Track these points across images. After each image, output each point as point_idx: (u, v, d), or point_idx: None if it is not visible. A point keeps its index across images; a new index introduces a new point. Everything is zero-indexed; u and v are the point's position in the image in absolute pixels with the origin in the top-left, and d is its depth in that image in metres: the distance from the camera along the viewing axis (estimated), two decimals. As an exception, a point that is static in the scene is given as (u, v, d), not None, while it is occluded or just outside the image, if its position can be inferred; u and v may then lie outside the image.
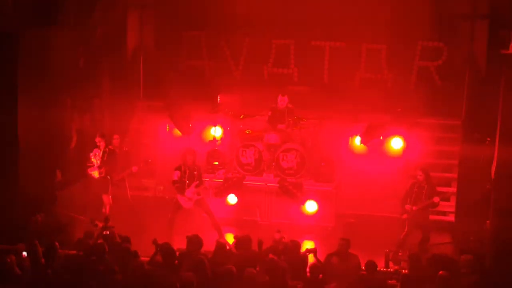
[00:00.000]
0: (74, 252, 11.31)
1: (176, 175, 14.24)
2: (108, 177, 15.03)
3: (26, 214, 13.79)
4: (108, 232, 11.87)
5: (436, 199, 13.85)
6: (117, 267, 10.49)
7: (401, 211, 14.09)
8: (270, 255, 10.73)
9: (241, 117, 16.68)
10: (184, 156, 14.30)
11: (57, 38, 15.19)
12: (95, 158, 15.00)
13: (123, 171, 15.57)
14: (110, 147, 15.15)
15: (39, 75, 14.86)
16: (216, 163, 16.18)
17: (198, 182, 14.19)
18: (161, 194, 16.98)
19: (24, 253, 10.79)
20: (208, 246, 11.73)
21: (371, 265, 10.91)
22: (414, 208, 13.87)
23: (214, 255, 11.20)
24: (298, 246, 11.57)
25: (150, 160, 16.26)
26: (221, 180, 15.80)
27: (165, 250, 11.10)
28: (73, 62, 16.47)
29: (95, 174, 14.97)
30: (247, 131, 16.49)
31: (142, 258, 11.00)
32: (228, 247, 11.96)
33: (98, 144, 14.99)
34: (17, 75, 14.22)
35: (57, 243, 11.08)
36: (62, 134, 15.97)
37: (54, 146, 15.45)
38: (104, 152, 14.95)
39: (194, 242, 11.20)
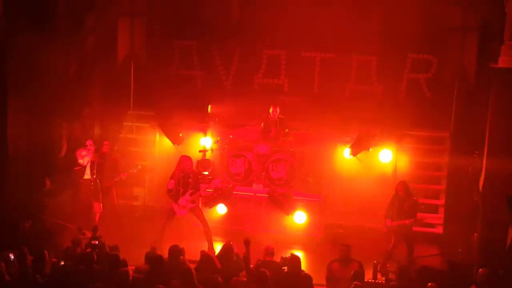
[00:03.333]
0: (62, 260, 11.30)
1: (170, 184, 14.38)
2: (99, 184, 15.03)
3: (14, 221, 13.73)
4: (97, 242, 11.85)
5: (408, 221, 13.88)
6: (104, 276, 10.51)
7: (383, 224, 14.16)
8: (262, 269, 10.69)
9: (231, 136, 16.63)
10: (181, 164, 14.37)
11: (48, 46, 15.16)
12: (83, 159, 14.89)
13: (111, 178, 15.57)
14: (99, 153, 15.11)
15: (29, 83, 14.84)
16: (206, 172, 16.18)
17: (192, 190, 14.26)
18: (150, 203, 17.00)
19: (11, 256, 10.76)
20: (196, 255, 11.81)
21: (360, 275, 10.93)
22: (393, 223, 13.91)
23: (199, 264, 11.21)
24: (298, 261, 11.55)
25: (139, 167, 16.27)
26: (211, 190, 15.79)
27: (150, 258, 11.13)
28: (64, 70, 16.45)
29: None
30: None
31: (130, 267, 11.02)
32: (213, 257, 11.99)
33: (88, 147, 14.91)
34: (7, 82, 14.22)
35: (46, 252, 11.07)
36: (52, 142, 15.94)
37: (44, 154, 15.42)
38: (95, 157, 14.91)
39: (174, 252, 11.21)
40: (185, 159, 14.47)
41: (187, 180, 14.33)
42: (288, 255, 11.62)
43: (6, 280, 10.32)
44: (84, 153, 14.93)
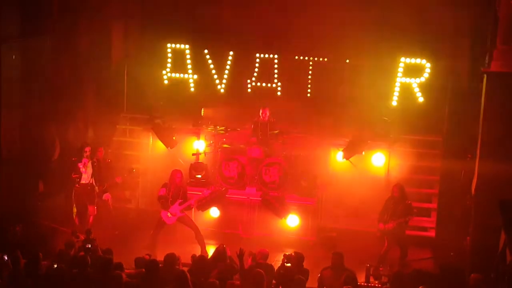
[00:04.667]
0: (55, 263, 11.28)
1: (162, 191, 14.44)
2: (96, 188, 15.00)
3: (7, 225, 13.71)
4: (90, 246, 11.83)
5: (398, 221, 13.91)
6: (96, 280, 10.51)
7: (376, 227, 14.17)
8: (258, 270, 10.69)
9: (220, 129, 16.60)
10: (172, 177, 14.41)
11: (41, 49, 15.17)
12: (84, 167, 14.87)
13: (106, 182, 15.55)
14: (95, 158, 15.12)
15: (23, 86, 14.83)
16: (199, 176, 16.19)
17: (181, 200, 14.28)
18: (143, 206, 16.99)
19: (5, 257, 10.75)
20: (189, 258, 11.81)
21: (352, 279, 10.92)
22: (386, 226, 13.93)
23: (192, 267, 11.20)
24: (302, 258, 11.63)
25: (134, 170, 16.25)
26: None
27: (144, 263, 11.12)
28: (57, 73, 16.45)
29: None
30: (224, 145, 16.47)
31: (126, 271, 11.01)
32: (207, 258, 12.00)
33: (87, 154, 14.89)
34: (0, 85, 14.20)
35: (40, 254, 11.06)
36: (45, 145, 15.93)
37: (37, 157, 15.41)
38: (93, 162, 14.93)
39: (169, 260, 11.20)
40: (175, 173, 14.52)
41: (178, 191, 14.40)
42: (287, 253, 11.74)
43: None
44: (86, 162, 14.85)
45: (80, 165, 14.82)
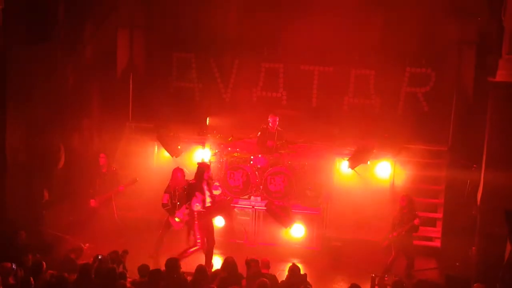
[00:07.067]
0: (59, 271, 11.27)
1: (165, 198, 14.33)
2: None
3: (12, 233, 13.69)
4: (100, 257, 11.76)
5: (416, 221, 13.83)
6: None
7: (386, 236, 14.12)
8: (262, 279, 10.66)
9: (230, 139, 16.65)
10: (173, 177, 14.33)
11: (46, 57, 15.17)
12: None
13: (110, 190, 15.52)
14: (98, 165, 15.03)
15: (28, 94, 14.82)
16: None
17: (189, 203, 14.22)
18: (148, 215, 16.95)
19: (14, 266, 10.76)
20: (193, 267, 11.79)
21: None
22: (394, 234, 13.88)
23: (195, 277, 11.18)
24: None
25: (137, 180, 16.23)
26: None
27: (147, 271, 11.10)
28: (63, 81, 16.46)
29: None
30: (235, 154, 16.48)
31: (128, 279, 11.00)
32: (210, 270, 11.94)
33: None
34: (5, 93, 14.20)
35: (44, 263, 11.05)
36: (50, 153, 15.91)
37: (42, 165, 15.39)
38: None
39: (171, 265, 11.16)
40: (176, 172, 14.44)
41: (183, 192, 14.31)
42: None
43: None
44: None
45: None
